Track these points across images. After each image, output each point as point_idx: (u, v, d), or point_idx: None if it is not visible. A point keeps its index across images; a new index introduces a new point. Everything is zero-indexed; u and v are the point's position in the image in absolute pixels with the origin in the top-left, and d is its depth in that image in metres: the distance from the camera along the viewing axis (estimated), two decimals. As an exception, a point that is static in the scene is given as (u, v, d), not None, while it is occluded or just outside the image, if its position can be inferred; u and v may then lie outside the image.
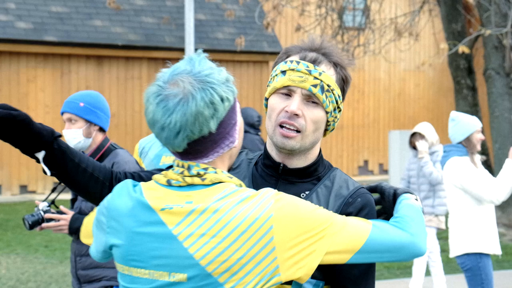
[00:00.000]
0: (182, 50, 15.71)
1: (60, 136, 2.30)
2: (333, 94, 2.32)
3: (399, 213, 2.36)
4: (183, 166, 2.17)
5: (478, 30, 13.30)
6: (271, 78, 2.38)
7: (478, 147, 6.46)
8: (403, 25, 13.71)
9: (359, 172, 20.15)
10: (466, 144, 6.36)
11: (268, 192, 2.13)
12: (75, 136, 4.53)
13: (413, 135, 8.65)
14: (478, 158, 6.44)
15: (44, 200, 4.70)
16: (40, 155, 2.23)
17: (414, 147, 8.68)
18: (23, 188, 16.34)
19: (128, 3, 17.17)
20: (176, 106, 2.08)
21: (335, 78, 2.36)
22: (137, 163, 4.74)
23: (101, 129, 4.67)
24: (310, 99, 2.31)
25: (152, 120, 2.14)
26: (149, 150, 5.14)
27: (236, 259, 2.06)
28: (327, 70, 2.34)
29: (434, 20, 16.34)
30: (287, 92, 2.31)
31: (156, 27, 17.02)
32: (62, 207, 4.64)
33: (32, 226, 4.50)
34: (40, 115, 16.17)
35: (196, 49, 11.85)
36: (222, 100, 2.11)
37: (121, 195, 2.24)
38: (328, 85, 2.31)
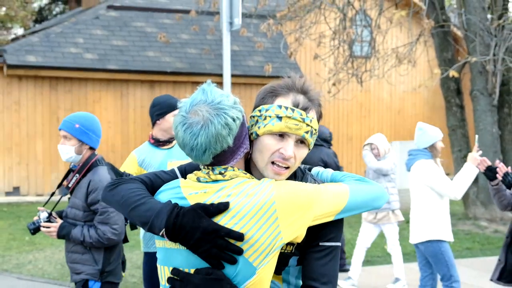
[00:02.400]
0: (220, 75, 15.22)
1: None
2: (317, 133, 2.35)
3: (346, 177, 2.44)
4: (208, 168, 2.29)
5: (466, 57, 13.45)
6: (263, 116, 2.31)
7: (440, 153, 6.48)
8: (402, 54, 13.64)
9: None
10: (431, 150, 6.40)
11: (267, 180, 2.25)
12: (67, 152, 4.52)
13: (367, 144, 8.58)
14: (439, 161, 6.49)
15: (45, 205, 4.78)
16: None
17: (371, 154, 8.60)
18: None
19: (175, 37, 17.14)
20: (199, 131, 2.19)
21: (316, 117, 2.37)
22: (117, 174, 4.67)
23: (92, 148, 4.62)
24: (300, 141, 2.32)
25: (183, 144, 2.25)
26: (151, 160, 5.16)
27: (248, 229, 2.16)
28: (314, 114, 2.35)
29: (429, 50, 16.15)
30: (281, 134, 2.28)
31: (198, 57, 16.99)
32: (54, 214, 4.64)
33: (34, 233, 4.62)
34: (104, 130, 15.54)
35: (232, 75, 12.34)
36: (233, 120, 2.22)
37: (164, 190, 2.37)
38: (315, 129, 2.33)
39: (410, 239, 6.58)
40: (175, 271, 2.24)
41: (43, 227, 4.57)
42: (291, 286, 2.38)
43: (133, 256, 9.88)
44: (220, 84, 15.77)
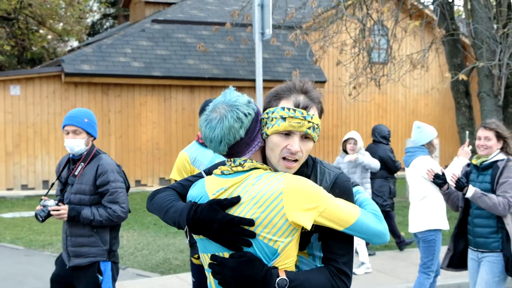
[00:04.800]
0: (252, 80, 15.35)
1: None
2: (319, 127, 2.36)
3: (369, 207, 2.43)
4: (230, 161, 2.36)
5: (473, 63, 13.32)
6: (270, 118, 2.33)
7: (435, 149, 6.37)
8: (416, 59, 13.49)
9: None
10: (428, 147, 6.31)
11: (280, 174, 2.29)
12: (78, 144, 4.47)
13: (346, 140, 8.14)
14: (434, 157, 6.40)
15: (46, 194, 4.66)
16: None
17: (344, 150, 8.18)
18: (138, 182, 16.39)
19: (212, 47, 17.11)
20: (216, 125, 2.28)
21: (318, 112, 2.38)
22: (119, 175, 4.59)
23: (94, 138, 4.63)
24: (305, 136, 2.34)
25: (204, 137, 2.34)
26: (202, 158, 5.01)
27: (258, 215, 2.22)
28: (314, 111, 2.35)
29: (440, 56, 16.04)
30: (287, 132, 2.31)
31: (233, 64, 16.99)
32: (60, 204, 4.52)
33: (44, 219, 4.47)
34: (149, 129, 16.40)
35: (263, 80, 12.35)
36: (245, 115, 2.29)
37: (194, 187, 2.46)
38: (317, 124, 2.34)
39: (410, 229, 6.48)
40: (213, 257, 2.31)
41: (54, 210, 4.44)
42: (316, 258, 2.41)
43: (176, 242, 9.94)
44: (253, 88, 15.88)
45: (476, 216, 5.20)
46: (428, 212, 6.24)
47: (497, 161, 5.16)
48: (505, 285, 5.22)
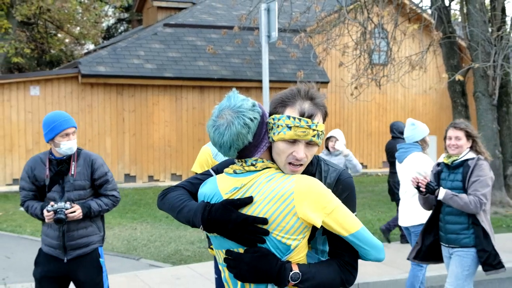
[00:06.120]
0: (259, 81, 15.66)
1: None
2: (323, 133, 2.31)
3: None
4: (241, 161, 2.33)
5: (469, 64, 13.31)
6: (276, 125, 2.28)
7: (428, 146, 6.32)
8: (415, 61, 13.43)
9: (383, 165, 19.68)
10: (421, 143, 6.26)
11: (291, 175, 2.28)
12: (75, 144, 4.41)
13: (329, 138, 8.00)
14: (427, 153, 6.34)
15: (44, 198, 4.45)
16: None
17: (327, 147, 8.05)
18: (150, 178, 16.38)
19: (221, 49, 17.07)
20: (224, 131, 2.24)
21: (322, 117, 2.33)
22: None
23: None
24: (309, 142, 2.30)
25: (213, 142, 2.30)
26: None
27: (271, 214, 2.21)
28: (319, 118, 2.31)
29: (437, 58, 16.00)
30: (292, 140, 2.27)
31: (240, 65, 16.94)
32: (73, 204, 4.37)
33: (66, 222, 4.31)
34: (161, 128, 16.40)
35: (269, 81, 12.33)
36: (251, 120, 2.25)
37: (205, 185, 2.43)
38: (321, 131, 2.30)
39: (401, 222, 6.41)
40: (228, 252, 2.29)
41: (70, 213, 4.32)
42: (319, 251, 2.43)
43: (187, 234, 9.96)
44: (259, 88, 15.87)
45: (447, 213, 5.13)
46: (420, 207, 6.12)
47: (467, 159, 5.09)
48: (473, 279, 5.15)
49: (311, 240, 2.40)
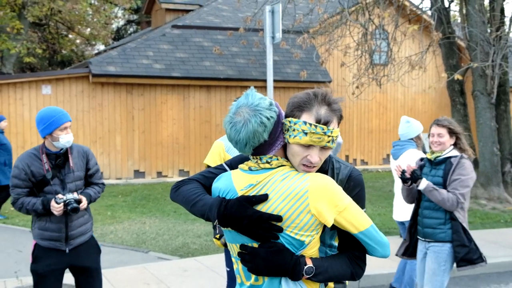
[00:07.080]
0: (263, 80, 15.65)
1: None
2: (336, 138, 2.29)
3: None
4: (256, 158, 2.31)
5: (468, 64, 13.29)
6: (292, 128, 2.25)
7: (422, 143, 6.27)
8: (414, 61, 13.43)
9: (383, 162, 19.74)
10: (416, 140, 6.23)
11: (306, 173, 2.26)
12: (72, 137, 4.34)
13: None
14: (421, 150, 6.31)
15: (43, 191, 4.34)
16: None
17: None
18: (159, 174, 16.34)
19: (227, 50, 17.07)
20: (241, 128, 2.21)
21: (337, 121, 2.29)
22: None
23: None
24: (323, 147, 2.28)
25: (229, 138, 2.27)
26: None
27: (286, 211, 2.19)
28: (334, 124, 2.27)
29: (437, 57, 16.09)
30: (308, 145, 2.24)
31: (246, 65, 16.88)
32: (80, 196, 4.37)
33: (78, 211, 4.28)
34: (169, 125, 16.36)
35: (273, 80, 12.31)
36: (268, 119, 2.22)
37: (220, 180, 2.40)
38: (335, 137, 2.28)
39: (395, 216, 6.35)
40: (243, 246, 2.28)
41: (78, 204, 4.32)
42: (326, 245, 2.42)
43: (194, 228, 9.94)
44: (264, 88, 15.88)
45: (425, 208, 5.06)
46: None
47: (450, 157, 5.01)
48: (449, 274, 5.07)
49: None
